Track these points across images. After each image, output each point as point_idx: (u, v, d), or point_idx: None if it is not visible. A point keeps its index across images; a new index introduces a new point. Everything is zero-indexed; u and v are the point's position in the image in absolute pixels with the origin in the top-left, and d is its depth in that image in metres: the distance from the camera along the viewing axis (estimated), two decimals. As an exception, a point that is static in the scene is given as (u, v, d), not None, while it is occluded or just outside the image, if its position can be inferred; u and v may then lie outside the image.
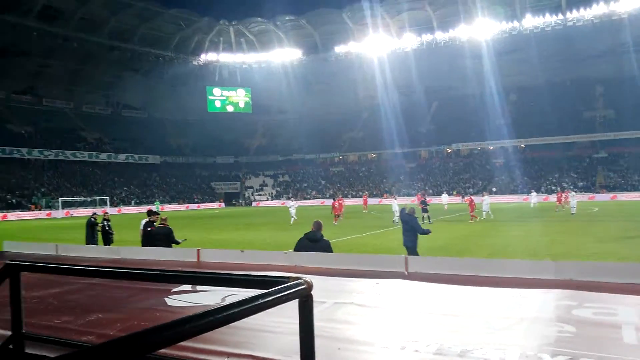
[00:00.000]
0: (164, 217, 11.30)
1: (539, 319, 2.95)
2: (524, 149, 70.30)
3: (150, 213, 11.73)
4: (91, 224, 15.50)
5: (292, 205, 31.42)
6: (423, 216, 26.59)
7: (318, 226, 7.34)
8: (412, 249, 10.62)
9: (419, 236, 10.84)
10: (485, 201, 30.24)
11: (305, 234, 7.21)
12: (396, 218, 27.54)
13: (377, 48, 77.33)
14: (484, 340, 2.53)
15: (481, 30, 70.42)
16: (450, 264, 4.95)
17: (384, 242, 19.18)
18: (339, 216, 29.54)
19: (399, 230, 24.32)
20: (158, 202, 59.94)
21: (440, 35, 74.67)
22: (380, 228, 25.14)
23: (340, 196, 37.83)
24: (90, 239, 15.38)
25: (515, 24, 69.46)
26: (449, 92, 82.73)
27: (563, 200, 36.05)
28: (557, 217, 29.31)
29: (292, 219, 29.69)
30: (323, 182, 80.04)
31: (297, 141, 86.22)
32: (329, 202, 39.90)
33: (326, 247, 6.98)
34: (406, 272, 4.76)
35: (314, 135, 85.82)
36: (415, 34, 76.08)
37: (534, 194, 43.47)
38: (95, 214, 16.47)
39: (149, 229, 11.25)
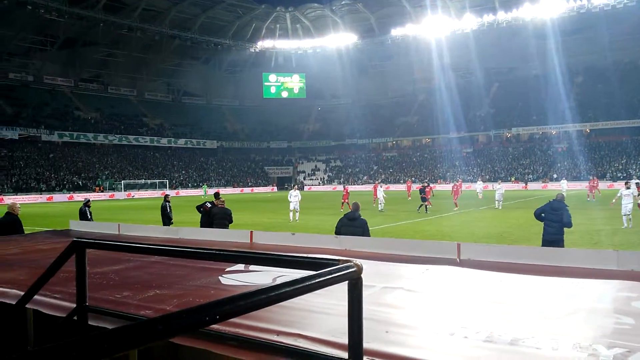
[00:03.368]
0: (222, 200, 11.78)
1: (596, 309, 2.84)
2: (588, 134, 66.78)
3: (216, 195, 12.26)
4: (82, 212, 15.26)
5: (295, 195, 23.16)
6: (421, 205, 25.87)
7: (356, 207, 8.30)
8: (558, 242, 9.06)
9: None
10: (499, 191, 28.21)
11: (345, 214, 8.17)
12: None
13: (435, 30, 75.14)
14: (536, 329, 2.47)
15: (546, 9, 66.95)
16: (504, 251, 4.82)
17: (437, 228, 18.91)
18: (344, 203, 27.31)
19: (453, 216, 23.88)
20: (205, 186, 61.75)
21: (502, 16, 71.56)
22: (433, 214, 24.78)
23: (377, 181, 36.36)
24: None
25: (584, 1, 65.46)
26: (510, 73, 79.61)
27: (595, 188, 33.74)
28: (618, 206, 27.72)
29: (292, 213, 22.90)
30: (375, 168, 79.47)
31: (350, 126, 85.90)
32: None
33: (363, 225, 7.78)
34: (458, 259, 4.69)
35: (367, 120, 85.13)
36: (476, 15, 73.28)
37: (480, 182, 39.36)
38: (88, 200, 16.30)
39: (209, 207, 11.84)
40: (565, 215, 9.16)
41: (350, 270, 1.65)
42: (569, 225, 9.21)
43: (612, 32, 66.62)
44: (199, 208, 12.61)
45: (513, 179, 62.65)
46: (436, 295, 3.40)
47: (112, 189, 61.52)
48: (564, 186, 38.84)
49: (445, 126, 73.40)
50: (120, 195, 59.31)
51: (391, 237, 12.87)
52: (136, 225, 8.42)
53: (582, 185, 41.71)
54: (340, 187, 71.05)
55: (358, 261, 1.71)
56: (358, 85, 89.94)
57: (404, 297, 3.27)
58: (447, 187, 48.86)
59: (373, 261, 4.30)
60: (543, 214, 9.51)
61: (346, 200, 27.58)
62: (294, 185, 27.67)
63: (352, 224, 7.76)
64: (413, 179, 60.51)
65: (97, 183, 61.69)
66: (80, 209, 15.45)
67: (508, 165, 67.99)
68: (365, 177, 75.36)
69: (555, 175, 60.42)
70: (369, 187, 50.43)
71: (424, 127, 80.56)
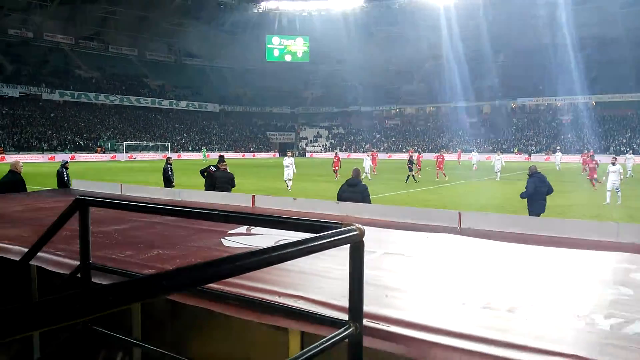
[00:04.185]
0: (225, 164, 11.83)
1: (595, 280, 2.86)
2: (594, 106, 66.10)
3: (221, 159, 12.28)
4: (59, 173, 14.29)
5: (290, 162, 22.36)
6: (408, 175, 25.89)
7: (356, 173, 8.40)
8: (543, 212, 9.76)
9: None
10: (498, 162, 28.48)
11: (346, 180, 8.26)
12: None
13: (443, -5, 73.52)
14: (534, 298, 2.49)
15: (557, -24, 65.25)
16: (505, 221, 4.84)
17: (437, 197, 18.97)
18: (336, 170, 27.32)
19: (453, 186, 23.90)
20: (205, 150, 61.59)
21: (512, -18, 69.83)
22: (435, 184, 24.82)
23: (374, 150, 36.32)
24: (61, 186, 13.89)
25: (596, -31, 63.78)
26: (519, 43, 78.13)
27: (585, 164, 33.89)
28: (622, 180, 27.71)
29: (288, 182, 22.09)
30: (378, 136, 79.11)
31: (353, 92, 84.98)
32: (382, 155, 39.22)
33: (363, 190, 7.93)
34: (459, 228, 4.71)
35: (371, 87, 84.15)
36: (485, -20, 71.53)
37: (475, 153, 41.91)
38: (66, 162, 14.94)
39: (214, 170, 11.90)
40: (549, 185, 9.92)
41: (353, 233, 1.65)
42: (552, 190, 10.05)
43: (622, 2, 65.07)
44: (202, 172, 12.65)
45: (516, 150, 62.49)
46: (436, 262, 3.43)
47: (113, 150, 61.51)
48: (558, 159, 38.98)
49: (450, 95, 72.66)
50: (122, 156, 59.33)
51: (393, 205, 12.89)
52: (138, 186, 8.45)
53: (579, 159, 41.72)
54: (342, 155, 71.03)
55: (360, 225, 1.70)
56: (363, 51, 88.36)
57: (405, 263, 3.30)
58: (451, 157, 48.85)
59: (374, 227, 4.32)
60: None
61: (337, 167, 27.43)
62: (287, 152, 26.19)
63: (353, 190, 7.91)
64: (415, 147, 60.27)
65: (98, 144, 61.64)
66: (58, 171, 14.30)
67: (512, 136, 67.66)
68: (368, 145, 75.07)
69: (558, 148, 60.26)
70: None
71: (428, 96, 79.74)
